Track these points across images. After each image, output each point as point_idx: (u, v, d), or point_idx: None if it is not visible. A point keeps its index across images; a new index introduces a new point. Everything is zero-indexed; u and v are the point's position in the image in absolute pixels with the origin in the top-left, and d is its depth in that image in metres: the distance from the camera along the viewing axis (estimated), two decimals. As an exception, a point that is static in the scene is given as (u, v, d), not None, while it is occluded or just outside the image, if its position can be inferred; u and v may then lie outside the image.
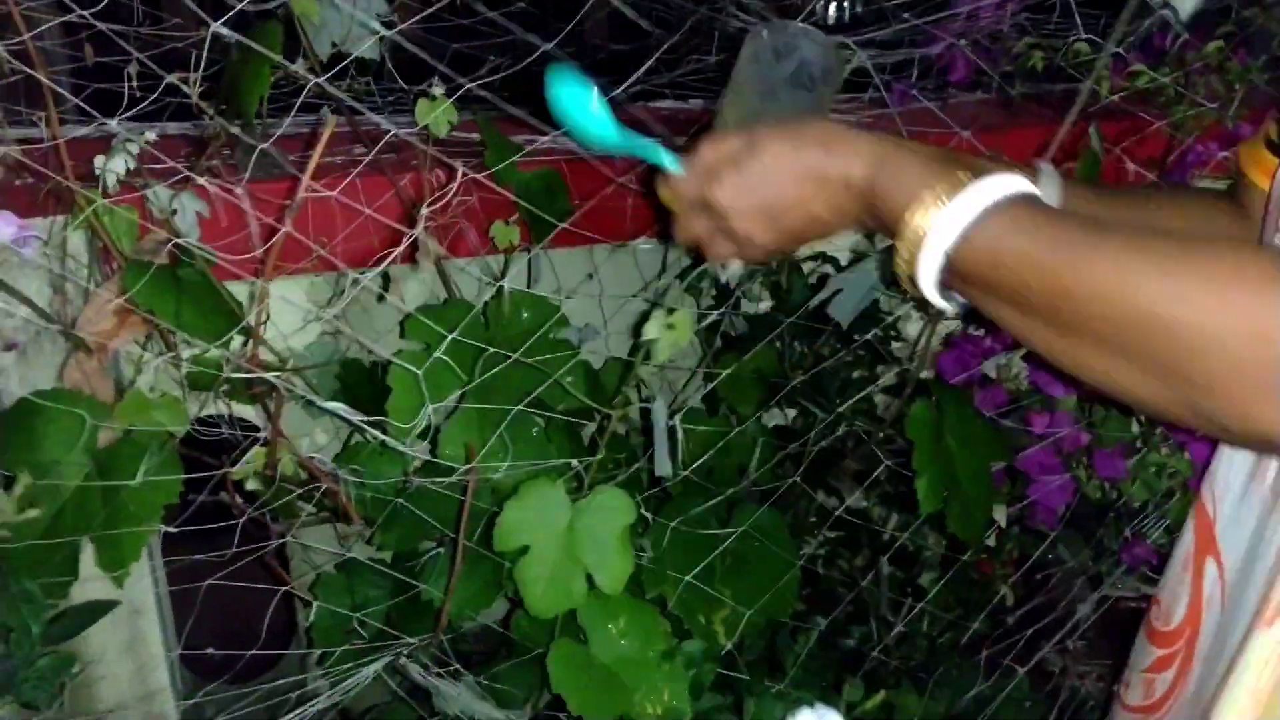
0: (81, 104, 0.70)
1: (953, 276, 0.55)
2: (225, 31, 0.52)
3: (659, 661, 0.85)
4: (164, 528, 0.73)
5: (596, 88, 0.65)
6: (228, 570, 0.82)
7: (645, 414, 0.96)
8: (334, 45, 0.86)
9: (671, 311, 0.75)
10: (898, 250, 0.56)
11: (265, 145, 0.57)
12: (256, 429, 0.93)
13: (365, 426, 0.75)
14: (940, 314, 0.55)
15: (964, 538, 0.96)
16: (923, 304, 0.60)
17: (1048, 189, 0.68)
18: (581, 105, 0.65)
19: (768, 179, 0.61)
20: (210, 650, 0.85)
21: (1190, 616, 0.70)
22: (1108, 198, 0.73)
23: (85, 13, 0.52)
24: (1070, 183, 0.70)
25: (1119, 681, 0.81)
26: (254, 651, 0.89)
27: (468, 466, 0.82)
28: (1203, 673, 0.69)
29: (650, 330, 0.76)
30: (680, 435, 0.91)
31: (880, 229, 0.59)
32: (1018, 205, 0.53)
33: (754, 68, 0.71)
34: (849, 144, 0.59)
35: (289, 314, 0.92)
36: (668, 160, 0.66)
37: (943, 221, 0.53)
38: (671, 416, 0.91)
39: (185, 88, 0.61)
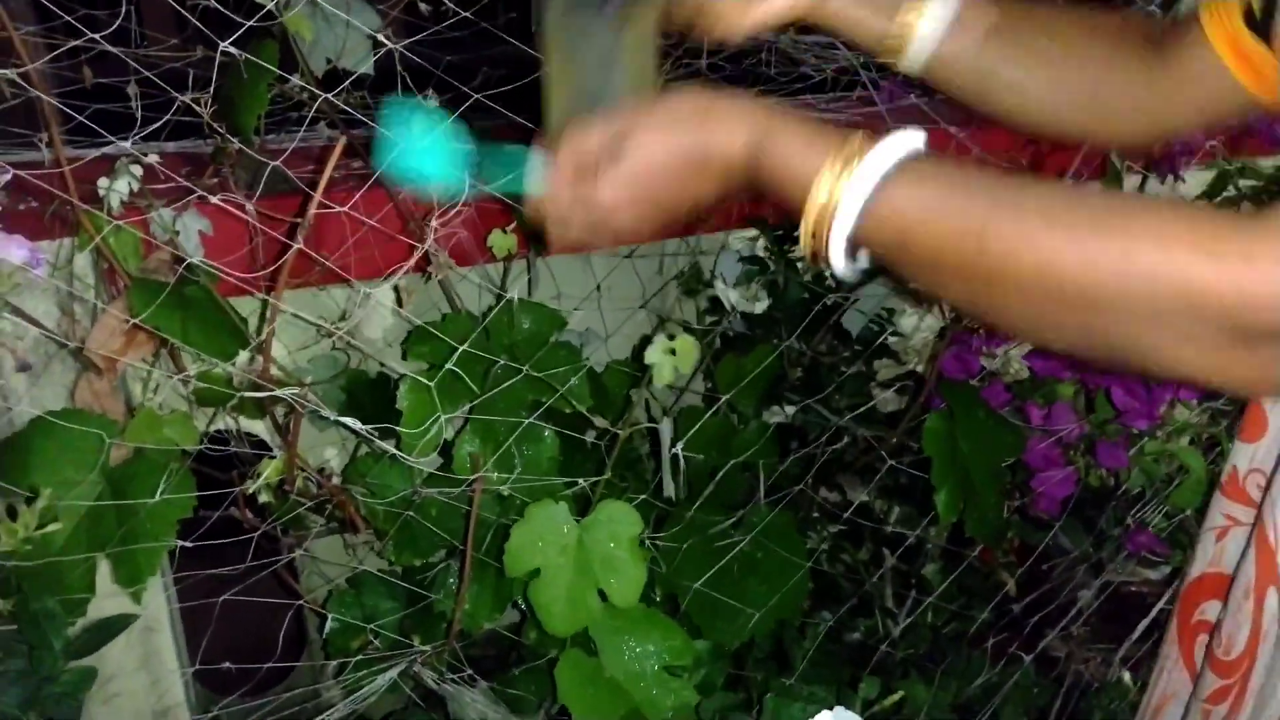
0: (87, 123, 0.70)
1: (863, 246, 0.53)
2: (234, 50, 0.53)
3: (667, 677, 0.85)
4: (178, 543, 0.74)
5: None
6: (241, 585, 0.83)
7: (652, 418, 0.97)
8: (329, 61, 0.87)
9: (673, 337, 0.75)
10: (802, 226, 0.53)
11: (276, 163, 0.58)
12: (264, 443, 0.93)
13: (376, 439, 0.76)
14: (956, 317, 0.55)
15: (983, 539, 0.95)
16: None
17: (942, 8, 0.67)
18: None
19: (650, 170, 0.58)
20: (227, 664, 0.85)
21: (1250, 648, 0.69)
22: (1014, 19, 0.69)
23: (96, 36, 0.53)
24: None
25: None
26: (269, 664, 0.89)
27: (474, 477, 0.82)
28: (1254, 708, 0.68)
29: (652, 355, 0.76)
30: (683, 463, 0.92)
31: (769, 196, 0.57)
32: (919, 165, 0.51)
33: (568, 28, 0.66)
34: (725, 120, 0.56)
35: (291, 328, 0.93)
36: (527, 179, 0.62)
37: (845, 194, 0.51)
38: (675, 444, 0.93)
39: (198, 108, 0.62)
